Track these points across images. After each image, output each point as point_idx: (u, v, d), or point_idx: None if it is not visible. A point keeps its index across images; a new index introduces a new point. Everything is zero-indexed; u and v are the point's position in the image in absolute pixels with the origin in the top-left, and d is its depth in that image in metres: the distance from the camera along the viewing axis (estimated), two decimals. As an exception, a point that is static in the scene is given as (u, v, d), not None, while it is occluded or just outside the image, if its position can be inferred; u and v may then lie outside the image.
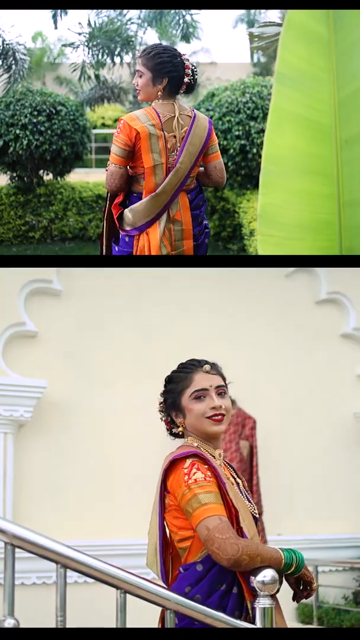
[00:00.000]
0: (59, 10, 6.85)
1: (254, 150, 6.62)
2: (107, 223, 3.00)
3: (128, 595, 1.71)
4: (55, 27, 6.93)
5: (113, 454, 4.65)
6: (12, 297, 4.58)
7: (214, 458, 1.88)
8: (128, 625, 1.71)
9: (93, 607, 3.56)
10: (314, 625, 4.56)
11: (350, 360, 5.45)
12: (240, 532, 1.78)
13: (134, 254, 2.92)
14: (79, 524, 4.44)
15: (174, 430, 1.96)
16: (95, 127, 11.86)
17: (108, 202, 2.96)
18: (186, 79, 2.89)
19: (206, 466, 1.80)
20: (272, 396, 5.15)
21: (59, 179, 7.53)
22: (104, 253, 3.12)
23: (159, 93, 2.87)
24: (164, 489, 1.85)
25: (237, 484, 1.92)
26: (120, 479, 4.59)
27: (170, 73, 2.84)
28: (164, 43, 10.21)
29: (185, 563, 1.81)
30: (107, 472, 4.61)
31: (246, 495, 1.92)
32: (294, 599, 1.86)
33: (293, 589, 1.85)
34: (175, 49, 2.97)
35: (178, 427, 1.93)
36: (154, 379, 2.16)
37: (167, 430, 1.98)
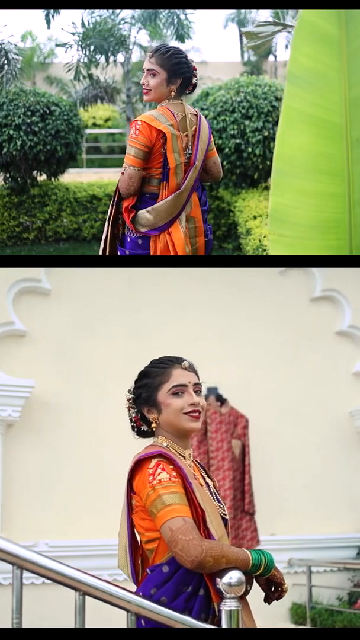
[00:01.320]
0: (51, 10, 6.82)
1: (249, 149, 6.62)
2: (112, 227, 2.99)
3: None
4: (48, 27, 6.90)
5: (105, 453, 4.63)
6: (0, 296, 4.56)
7: (184, 458, 1.87)
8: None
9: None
10: (307, 626, 4.54)
11: (345, 358, 5.43)
12: (207, 533, 1.76)
13: (151, 254, 2.93)
14: (70, 524, 4.43)
15: (142, 428, 1.95)
16: (86, 127, 11.81)
17: (115, 206, 2.96)
18: (194, 80, 2.94)
19: (171, 466, 1.79)
20: (266, 395, 5.12)
21: (52, 179, 7.50)
22: (107, 254, 3.11)
23: (172, 93, 2.90)
24: (130, 490, 1.84)
25: (207, 484, 1.91)
26: (113, 479, 4.55)
27: (185, 74, 2.90)
28: (155, 43, 10.22)
29: (152, 564, 1.80)
30: (99, 472, 4.59)
31: (216, 496, 1.91)
32: (265, 600, 1.85)
33: (263, 590, 1.84)
34: (182, 50, 3.00)
35: (150, 423, 1.90)
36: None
37: (134, 428, 1.96)
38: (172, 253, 2.93)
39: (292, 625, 4.64)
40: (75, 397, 4.65)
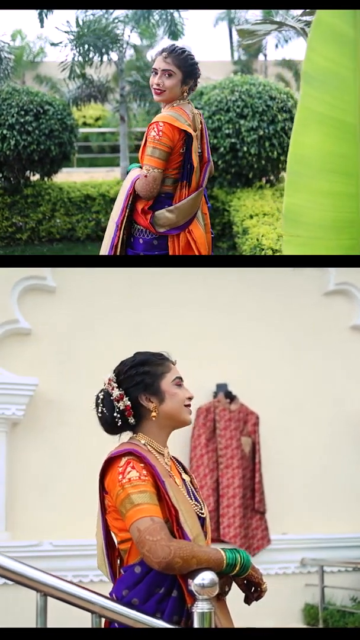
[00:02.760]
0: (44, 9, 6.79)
1: (244, 149, 6.63)
2: (123, 231, 2.97)
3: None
4: (42, 26, 6.87)
5: (108, 452, 4.60)
6: (5, 295, 4.53)
7: (163, 456, 1.83)
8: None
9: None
10: (317, 628, 4.48)
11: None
12: (180, 533, 1.71)
13: (170, 254, 2.92)
14: (75, 523, 4.40)
15: (130, 421, 1.84)
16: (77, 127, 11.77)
17: (127, 210, 2.92)
18: (199, 80, 2.97)
19: (142, 464, 1.74)
20: (277, 392, 5.01)
21: (46, 179, 7.46)
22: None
23: (184, 94, 2.91)
24: (102, 490, 1.80)
25: (184, 480, 1.86)
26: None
27: (197, 75, 2.91)
28: (147, 41, 10.12)
29: (126, 565, 1.76)
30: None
31: (193, 494, 1.86)
32: (245, 601, 1.81)
33: (242, 591, 1.79)
34: None
35: (145, 413, 1.82)
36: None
37: (119, 419, 1.83)
38: (195, 250, 2.94)
39: (305, 627, 4.55)
40: (78, 395, 4.62)
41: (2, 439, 4.34)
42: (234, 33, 16.69)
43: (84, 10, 6.67)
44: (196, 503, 1.83)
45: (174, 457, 1.92)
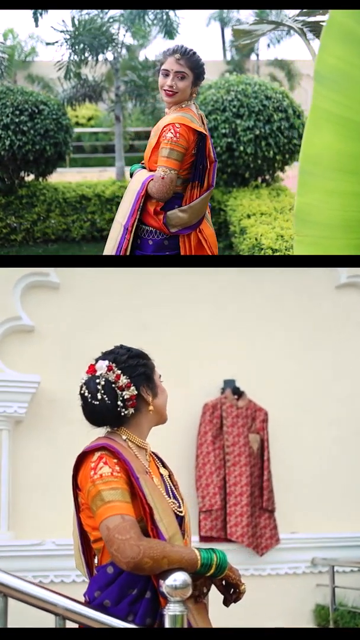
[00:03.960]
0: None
1: (241, 148, 6.63)
2: (133, 234, 2.96)
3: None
4: (37, 25, 6.85)
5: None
6: (8, 292, 4.49)
7: (145, 451, 1.79)
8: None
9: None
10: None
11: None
12: (155, 532, 1.64)
13: (182, 253, 2.92)
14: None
15: (130, 411, 1.76)
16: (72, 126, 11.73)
17: (138, 212, 2.91)
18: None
19: (115, 460, 1.68)
20: (287, 388, 4.92)
21: (40, 179, 7.43)
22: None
23: (193, 95, 2.92)
24: (75, 486, 1.75)
25: (161, 475, 1.81)
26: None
27: (204, 76, 2.92)
28: (139, 41, 10.08)
29: (100, 565, 1.70)
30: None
31: (172, 491, 1.81)
32: (224, 603, 1.75)
33: (220, 592, 1.73)
34: None
35: (145, 406, 1.78)
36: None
37: (123, 408, 1.75)
38: (206, 248, 2.96)
39: (315, 627, 4.46)
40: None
41: (5, 437, 4.30)
42: (227, 33, 16.70)
43: (79, 10, 6.65)
44: (174, 501, 1.77)
45: (153, 452, 1.87)
